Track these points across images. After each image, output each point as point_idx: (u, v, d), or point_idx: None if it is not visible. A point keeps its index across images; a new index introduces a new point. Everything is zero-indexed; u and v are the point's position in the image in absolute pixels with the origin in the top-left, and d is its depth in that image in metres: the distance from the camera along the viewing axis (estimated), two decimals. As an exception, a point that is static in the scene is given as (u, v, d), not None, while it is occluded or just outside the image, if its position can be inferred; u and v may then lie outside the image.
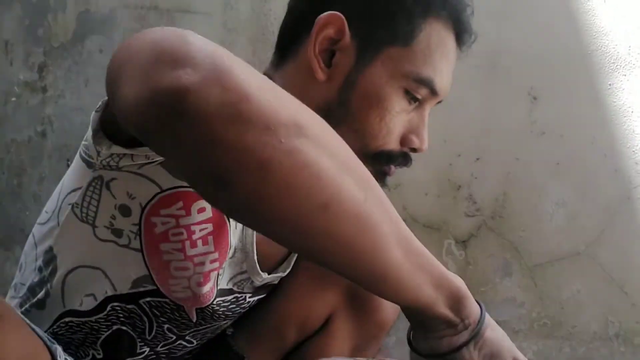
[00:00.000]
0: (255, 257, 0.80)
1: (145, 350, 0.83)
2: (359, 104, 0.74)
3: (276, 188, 0.44)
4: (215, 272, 0.76)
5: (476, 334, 0.60)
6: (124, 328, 0.79)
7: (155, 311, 0.78)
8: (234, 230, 0.76)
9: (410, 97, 0.74)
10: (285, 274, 0.89)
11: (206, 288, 0.76)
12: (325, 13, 0.73)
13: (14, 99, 1.84)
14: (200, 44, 0.46)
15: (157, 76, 0.44)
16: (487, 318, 0.62)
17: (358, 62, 0.74)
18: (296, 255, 0.90)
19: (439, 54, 0.74)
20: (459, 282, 0.59)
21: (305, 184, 0.45)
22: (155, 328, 0.81)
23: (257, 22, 1.56)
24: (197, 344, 0.91)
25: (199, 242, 0.73)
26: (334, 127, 0.71)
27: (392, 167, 0.79)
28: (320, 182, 0.45)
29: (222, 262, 0.76)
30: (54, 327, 0.77)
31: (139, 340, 0.81)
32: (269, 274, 0.85)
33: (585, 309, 1.35)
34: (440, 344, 0.60)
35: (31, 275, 0.78)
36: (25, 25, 1.81)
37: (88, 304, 0.75)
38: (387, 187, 0.84)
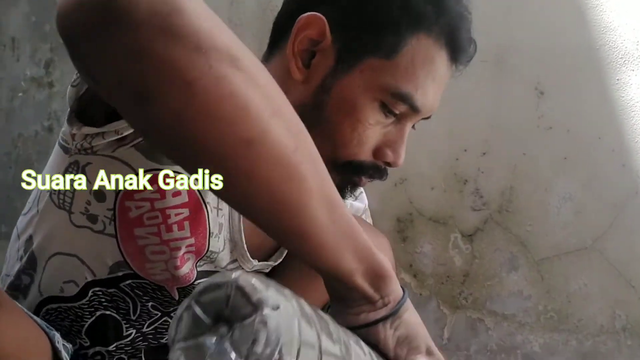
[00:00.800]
0: (245, 245, 0.80)
1: (132, 333, 0.82)
2: (332, 110, 0.72)
3: (199, 112, 0.42)
4: (192, 256, 0.76)
5: (394, 313, 0.59)
6: (107, 312, 0.79)
7: (138, 291, 0.78)
8: (215, 218, 0.76)
9: (387, 110, 0.72)
10: (277, 263, 0.88)
11: (184, 270, 0.76)
12: (307, 13, 0.71)
13: (20, 94, 1.84)
14: None
15: None
16: (408, 302, 0.61)
17: (337, 67, 0.72)
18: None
19: (424, 71, 0.71)
20: (384, 261, 0.58)
21: (230, 115, 0.43)
22: (139, 307, 0.81)
23: (262, 17, 1.56)
24: None
25: (175, 227, 0.72)
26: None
27: (363, 178, 0.77)
28: (246, 117, 0.43)
29: (200, 248, 0.76)
30: (41, 314, 0.78)
31: (124, 322, 0.81)
32: (259, 261, 0.85)
33: (592, 302, 1.35)
34: (357, 319, 0.59)
35: (15, 266, 0.79)
36: (31, 21, 1.81)
37: (70, 290, 0.76)
38: (355, 197, 0.84)
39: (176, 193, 0.71)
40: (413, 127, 0.79)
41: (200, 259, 0.78)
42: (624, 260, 1.32)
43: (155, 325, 0.85)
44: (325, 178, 0.51)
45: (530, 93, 1.38)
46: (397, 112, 0.72)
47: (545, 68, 1.37)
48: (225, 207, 0.76)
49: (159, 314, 0.84)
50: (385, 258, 0.59)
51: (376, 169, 0.75)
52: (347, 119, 0.72)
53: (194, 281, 0.79)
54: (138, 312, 0.82)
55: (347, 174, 0.75)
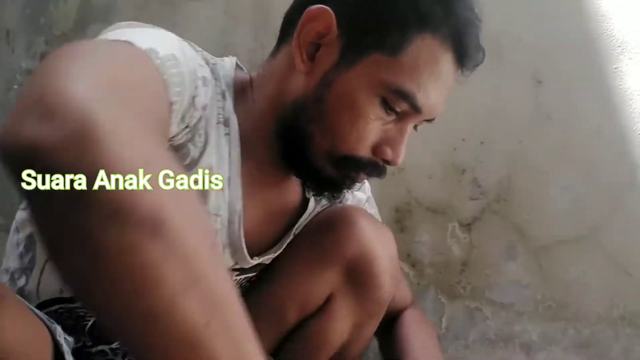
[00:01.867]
0: (245, 251, 0.82)
1: None
2: (332, 103, 0.73)
3: (102, 281, 0.40)
4: None
5: None
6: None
7: None
8: (219, 228, 0.78)
9: (388, 107, 0.72)
10: (277, 254, 0.90)
11: None
12: (315, 6, 0.72)
13: (16, 87, 1.83)
14: (82, 94, 0.41)
15: (19, 124, 0.40)
16: None
17: (340, 61, 0.73)
18: (290, 236, 0.91)
19: (427, 71, 0.72)
20: None
21: (136, 287, 0.40)
22: None
23: (259, 9, 1.55)
24: None
25: None
26: (306, 124, 0.73)
27: (361, 174, 0.78)
28: (154, 290, 0.40)
29: None
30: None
31: None
32: (259, 256, 0.87)
33: (590, 291, 1.35)
34: None
35: (14, 262, 0.79)
36: (27, 14, 1.80)
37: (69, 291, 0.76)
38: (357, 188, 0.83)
39: None
40: (415, 128, 0.80)
41: None
42: (622, 249, 1.33)
43: None
44: (243, 347, 0.44)
45: (528, 82, 1.37)
46: (398, 109, 0.72)
47: (543, 57, 1.36)
48: (223, 213, 0.77)
49: None
50: None
51: (374, 166, 0.76)
52: (347, 113, 0.72)
53: None
54: None
55: (345, 168, 0.76)
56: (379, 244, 0.90)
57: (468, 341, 1.45)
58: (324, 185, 0.80)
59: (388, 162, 0.76)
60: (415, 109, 0.73)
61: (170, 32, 0.65)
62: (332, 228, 0.89)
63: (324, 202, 0.95)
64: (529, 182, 1.39)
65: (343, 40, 0.73)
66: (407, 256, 1.48)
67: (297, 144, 0.76)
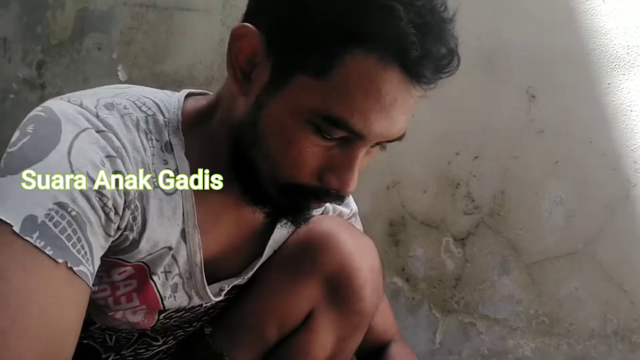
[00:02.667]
0: (212, 296, 0.82)
1: (111, 355, 0.84)
2: (265, 129, 0.67)
3: None
4: (151, 312, 0.78)
5: None
6: (84, 342, 0.80)
7: (109, 331, 0.81)
8: (165, 282, 0.76)
9: (324, 133, 0.65)
10: (245, 281, 0.88)
11: (143, 319, 0.79)
12: (240, 24, 0.67)
13: (12, 95, 1.84)
14: None
15: None
16: None
17: (269, 83, 0.66)
18: (262, 258, 0.88)
19: (362, 93, 0.62)
20: None
21: None
22: (114, 337, 0.82)
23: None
24: (168, 343, 0.91)
25: (123, 299, 0.74)
26: (248, 150, 0.69)
27: (312, 202, 0.73)
28: None
29: (154, 309, 0.78)
30: None
31: (102, 349, 0.83)
32: (228, 285, 0.85)
33: (584, 306, 1.35)
34: None
35: None
36: (23, 22, 1.80)
37: None
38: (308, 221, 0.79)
39: (121, 272, 0.72)
40: (383, 148, 0.72)
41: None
42: (615, 264, 1.32)
43: (134, 346, 0.86)
44: None
45: (522, 96, 1.38)
46: (334, 136, 0.65)
47: (536, 72, 1.37)
48: (174, 270, 0.76)
49: (136, 335, 0.84)
50: None
51: (324, 193, 0.70)
52: (279, 140, 0.67)
53: (157, 321, 0.81)
54: (114, 340, 0.83)
55: (292, 195, 0.70)
56: (358, 255, 0.88)
57: (462, 356, 1.44)
58: (279, 212, 0.75)
59: (337, 190, 0.69)
60: (355, 135, 0.65)
61: (60, 144, 0.63)
62: (310, 241, 0.87)
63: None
64: (523, 196, 1.39)
65: (272, 60, 0.66)
66: (401, 270, 1.48)
67: (245, 170, 0.71)
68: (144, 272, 0.73)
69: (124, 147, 0.66)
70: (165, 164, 0.71)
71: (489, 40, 1.40)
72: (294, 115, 0.65)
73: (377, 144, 0.70)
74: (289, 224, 0.77)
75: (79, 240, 0.61)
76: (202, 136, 0.74)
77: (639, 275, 1.31)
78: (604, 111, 1.31)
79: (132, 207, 0.67)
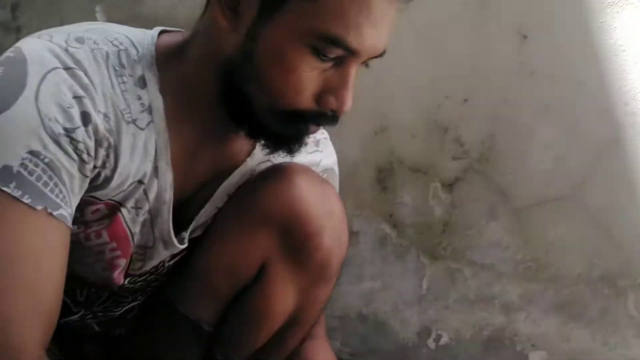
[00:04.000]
0: (175, 241, 0.81)
1: (81, 311, 0.84)
2: (262, 60, 0.69)
3: None
4: (121, 260, 0.78)
5: None
6: None
7: (79, 283, 0.81)
8: (135, 218, 0.76)
9: (321, 55, 0.67)
10: (205, 221, 0.86)
11: (114, 274, 0.78)
12: None
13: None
14: None
15: None
16: None
17: (261, 13, 0.67)
18: (220, 198, 0.86)
19: (354, 9, 0.65)
20: None
21: None
22: (85, 292, 0.83)
23: None
24: (138, 300, 0.91)
25: (92, 235, 0.75)
26: (242, 84, 0.70)
27: (310, 126, 0.74)
28: None
29: (125, 250, 0.77)
30: None
31: (72, 304, 0.83)
32: (186, 231, 0.84)
33: (570, 251, 1.35)
34: None
35: None
36: None
37: None
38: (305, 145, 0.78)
39: (95, 211, 0.73)
40: (366, 66, 0.74)
41: (132, 260, 0.79)
42: (604, 209, 1.32)
43: (105, 304, 0.85)
44: None
45: (513, 37, 1.34)
46: (331, 55, 0.68)
47: (528, 11, 1.33)
48: (144, 206, 0.76)
49: (107, 293, 0.83)
50: None
51: (322, 116, 0.72)
52: (278, 68, 0.68)
53: (125, 283, 0.81)
54: (84, 295, 0.83)
55: (291, 123, 0.72)
56: (312, 200, 0.84)
57: (448, 302, 1.45)
58: (277, 141, 0.76)
59: (335, 111, 0.71)
60: (351, 52, 0.68)
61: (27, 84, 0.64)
62: (261, 187, 0.84)
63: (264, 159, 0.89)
64: (512, 140, 1.37)
65: None
66: (389, 217, 1.47)
67: (239, 104, 0.72)
68: (115, 209, 0.74)
69: (93, 84, 0.67)
70: (139, 99, 0.71)
71: (479, -22, 1.36)
72: (291, 41, 0.66)
73: (363, 62, 0.72)
74: (285, 152, 0.77)
75: (55, 185, 0.63)
76: (178, 72, 0.74)
77: (627, 220, 1.30)
78: (596, 51, 1.28)
79: (105, 145, 0.68)
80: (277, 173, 0.85)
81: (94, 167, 0.68)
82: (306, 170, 0.88)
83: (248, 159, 0.85)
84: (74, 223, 0.70)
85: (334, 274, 0.89)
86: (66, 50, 0.66)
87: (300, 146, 0.77)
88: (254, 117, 0.72)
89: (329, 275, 0.88)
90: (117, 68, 0.70)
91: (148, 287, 0.89)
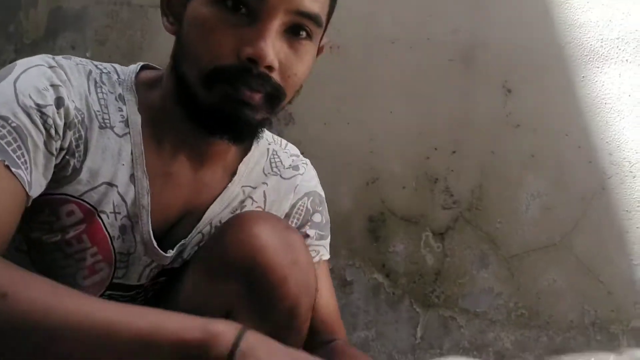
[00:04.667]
0: (155, 244, 0.81)
1: None
2: (187, 32, 0.74)
3: None
4: (102, 264, 0.79)
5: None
6: None
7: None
8: (114, 222, 0.78)
9: (230, 6, 0.71)
10: (187, 238, 0.85)
11: (95, 280, 0.79)
12: None
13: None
14: None
15: None
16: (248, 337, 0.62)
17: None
18: (206, 226, 0.87)
19: None
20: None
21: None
22: None
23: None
24: None
25: (74, 241, 0.76)
26: (179, 69, 0.76)
27: (246, 91, 0.73)
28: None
29: (107, 254, 0.79)
30: None
31: None
32: (173, 248, 0.84)
33: (562, 298, 1.36)
34: None
35: None
36: (-5, 22, 1.78)
37: None
38: (261, 111, 0.77)
39: (69, 213, 0.75)
40: (298, 32, 0.75)
41: (115, 268, 0.80)
42: (592, 256, 1.34)
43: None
44: None
45: (498, 91, 1.39)
46: (242, 9, 0.71)
47: (512, 66, 1.38)
48: (122, 210, 0.78)
49: None
50: None
51: (246, 73, 0.72)
52: (198, 34, 0.73)
53: (104, 292, 0.82)
54: None
55: (220, 84, 0.73)
56: (276, 249, 0.81)
57: (443, 350, 1.45)
58: (219, 121, 0.76)
59: (254, 62, 0.71)
60: (258, 2, 0.71)
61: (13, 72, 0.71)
62: (225, 236, 0.83)
63: (247, 193, 0.90)
64: (500, 190, 1.39)
65: None
66: (381, 266, 1.48)
67: (184, 93, 0.76)
68: (91, 213, 0.76)
69: (70, 82, 0.73)
70: (120, 111, 0.77)
71: (465, 35, 1.40)
72: (204, 4, 0.72)
73: (295, 28, 0.74)
74: (231, 139, 0.78)
75: (19, 147, 0.66)
76: (154, 97, 0.81)
77: (615, 267, 1.32)
78: (579, 104, 1.33)
79: (74, 130, 0.72)
80: (240, 221, 0.83)
81: (61, 148, 0.71)
82: (270, 218, 0.86)
83: (229, 185, 0.87)
84: (52, 231, 0.73)
85: (303, 322, 0.86)
86: (53, 59, 0.73)
87: (247, 132, 0.78)
88: (190, 95, 0.75)
89: (297, 324, 0.85)
90: (98, 82, 0.77)
91: None
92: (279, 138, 0.96)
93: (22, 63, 0.72)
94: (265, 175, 0.91)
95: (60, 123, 0.70)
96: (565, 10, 1.34)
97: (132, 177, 0.78)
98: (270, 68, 0.72)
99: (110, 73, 0.79)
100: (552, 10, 1.34)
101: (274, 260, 0.81)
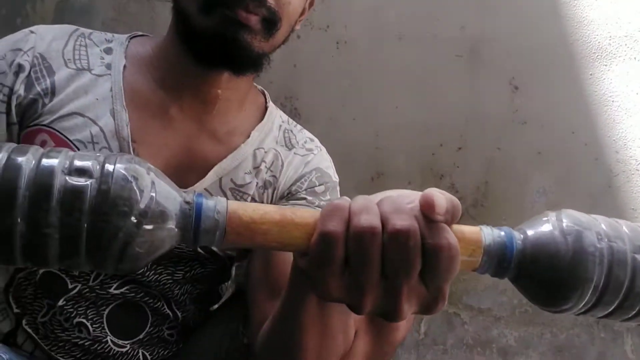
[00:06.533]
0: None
1: (77, 286, 0.84)
2: None
3: None
4: None
5: None
6: (47, 270, 0.83)
7: None
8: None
9: None
10: (190, 188, 0.85)
11: None
12: None
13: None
14: None
15: None
16: None
17: None
18: (203, 183, 0.87)
19: None
20: None
21: None
22: None
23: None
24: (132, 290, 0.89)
25: None
26: (176, 3, 0.81)
27: (243, 12, 0.75)
28: None
29: None
30: (13, 286, 0.85)
31: (68, 279, 0.84)
32: None
33: (566, 295, 1.36)
34: None
35: None
36: (2, 14, 1.78)
37: None
38: (259, 36, 0.78)
39: (42, 142, 0.78)
40: None
41: None
42: (597, 254, 1.33)
43: (100, 278, 0.85)
44: None
45: (505, 88, 1.39)
46: None
47: (519, 63, 1.37)
48: (101, 140, 0.81)
49: None
50: None
51: None
52: None
53: None
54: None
55: (217, 8, 0.75)
56: None
57: (446, 346, 1.45)
58: (218, 47, 0.78)
59: None
60: None
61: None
62: None
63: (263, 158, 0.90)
64: (506, 187, 1.39)
65: None
66: (385, 261, 1.48)
67: (180, 23, 0.80)
68: (64, 143, 0.78)
69: (35, 41, 0.81)
70: (101, 58, 0.83)
71: (472, 31, 1.40)
72: None
73: None
74: (231, 67, 0.81)
75: None
76: (146, 49, 0.86)
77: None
78: (587, 102, 1.32)
79: (29, 75, 0.79)
80: None
81: (13, 93, 0.79)
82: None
83: (242, 145, 0.87)
84: None
85: (392, 355, 0.90)
86: (35, 27, 0.83)
87: (244, 55, 0.79)
88: (188, 23, 0.78)
89: (391, 353, 0.88)
90: (80, 38, 0.84)
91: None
92: (295, 123, 0.97)
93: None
94: (278, 144, 0.91)
95: (9, 77, 0.79)
96: (574, 8, 1.33)
97: (112, 111, 0.81)
98: None
99: (107, 35, 0.87)
100: (560, 7, 1.34)
101: None
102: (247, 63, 0.81)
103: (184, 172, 0.84)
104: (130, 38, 0.88)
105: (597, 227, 0.50)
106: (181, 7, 0.79)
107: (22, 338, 0.86)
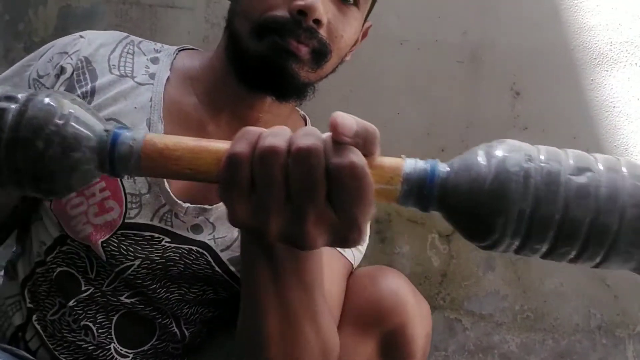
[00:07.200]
0: (168, 186, 0.81)
1: (90, 289, 0.84)
2: None
3: None
4: (114, 203, 0.80)
5: None
6: (65, 268, 0.84)
7: (86, 252, 0.83)
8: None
9: None
10: (213, 207, 0.84)
11: (106, 218, 0.80)
12: None
13: (-6, 94, 1.81)
14: None
15: None
16: None
17: None
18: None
19: None
20: None
21: None
22: (95, 266, 0.84)
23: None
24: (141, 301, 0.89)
25: None
26: (231, 24, 0.81)
27: (294, 42, 0.75)
28: None
29: (115, 189, 0.80)
30: (31, 280, 0.86)
31: (83, 280, 0.84)
32: (192, 205, 0.83)
33: (568, 301, 1.36)
34: None
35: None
36: (5, 20, 1.78)
37: (42, 249, 0.84)
38: (307, 66, 0.78)
39: None
40: (356, 4, 0.80)
41: (127, 208, 0.80)
42: (599, 260, 1.33)
43: (114, 284, 0.84)
44: None
45: (507, 93, 1.39)
46: None
47: (521, 68, 1.38)
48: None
49: (114, 272, 0.84)
50: None
51: (296, 26, 0.75)
52: None
53: (117, 230, 0.81)
54: (95, 272, 0.84)
55: (269, 35, 0.75)
56: (419, 320, 0.86)
57: (448, 352, 1.45)
58: (265, 71, 0.78)
59: (305, 15, 0.74)
60: None
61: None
62: (378, 297, 0.85)
63: None
64: (508, 192, 1.39)
65: None
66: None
67: (234, 46, 0.79)
68: None
69: (81, 45, 0.82)
70: (146, 67, 0.84)
71: (474, 36, 1.40)
72: None
73: None
74: (275, 93, 0.81)
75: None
76: (194, 64, 0.86)
77: (622, 271, 1.31)
78: (588, 107, 1.32)
79: (71, 77, 0.81)
80: (391, 286, 0.86)
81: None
82: (413, 287, 0.90)
83: None
84: None
85: None
86: (85, 32, 0.86)
87: (292, 86, 0.80)
88: (239, 49, 0.78)
89: None
90: (129, 45, 0.85)
91: (153, 282, 0.87)
92: None
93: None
94: None
95: (50, 79, 0.81)
96: (575, 13, 1.34)
97: (149, 121, 0.80)
98: (318, 23, 0.75)
99: (157, 45, 0.88)
100: (561, 13, 1.34)
101: (418, 332, 0.85)
102: (291, 91, 0.81)
103: (212, 190, 0.83)
104: (180, 50, 0.88)
105: (530, 150, 0.45)
106: (234, 28, 0.79)
107: (30, 334, 0.87)
